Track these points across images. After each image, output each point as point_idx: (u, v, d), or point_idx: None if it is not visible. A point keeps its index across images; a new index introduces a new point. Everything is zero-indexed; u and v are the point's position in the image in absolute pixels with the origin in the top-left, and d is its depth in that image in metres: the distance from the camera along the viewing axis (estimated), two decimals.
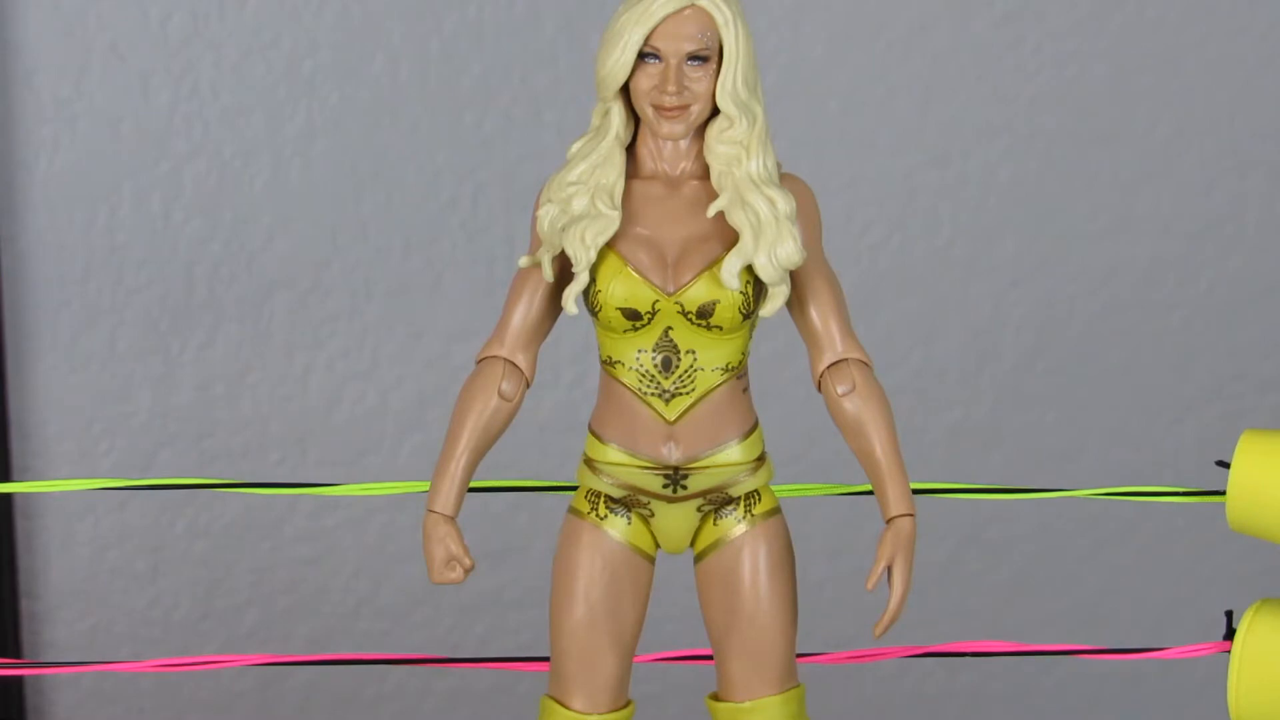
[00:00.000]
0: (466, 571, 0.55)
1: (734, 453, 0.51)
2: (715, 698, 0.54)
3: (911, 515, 0.51)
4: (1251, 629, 0.61)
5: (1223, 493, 0.63)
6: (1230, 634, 0.62)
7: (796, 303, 0.51)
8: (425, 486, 0.65)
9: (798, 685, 0.53)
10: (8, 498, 1.13)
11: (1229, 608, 0.64)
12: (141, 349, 1.14)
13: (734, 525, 0.53)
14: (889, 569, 0.51)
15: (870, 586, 0.51)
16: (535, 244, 0.51)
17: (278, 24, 1.11)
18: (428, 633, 1.19)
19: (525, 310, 0.53)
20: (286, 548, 1.18)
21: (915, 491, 0.61)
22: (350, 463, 1.17)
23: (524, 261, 0.51)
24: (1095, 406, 1.15)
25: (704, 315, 0.50)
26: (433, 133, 1.13)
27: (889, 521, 0.51)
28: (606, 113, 0.51)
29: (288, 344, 1.15)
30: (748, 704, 0.52)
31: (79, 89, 1.11)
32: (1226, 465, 0.63)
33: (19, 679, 1.17)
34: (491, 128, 1.13)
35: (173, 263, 1.13)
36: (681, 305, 0.50)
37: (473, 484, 0.65)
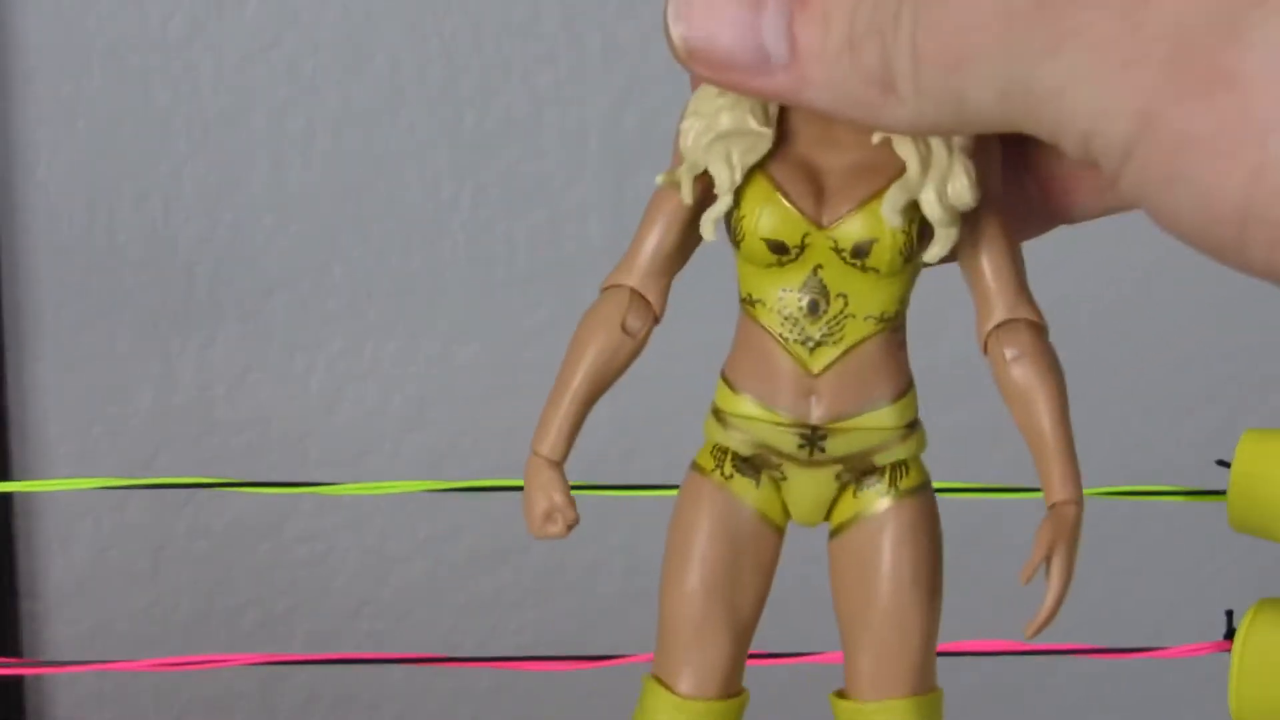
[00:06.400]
0: (569, 526, 0.46)
1: (884, 415, 0.45)
2: (841, 695, 0.46)
3: (1078, 502, 0.44)
4: (1252, 629, 0.61)
5: (1223, 493, 0.63)
6: (1230, 634, 0.62)
7: (963, 249, 0.44)
8: (425, 486, 0.65)
9: (935, 690, 0.46)
10: (7, 498, 1.13)
11: (1229, 608, 0.64)
12: (141, 349, 1.14)
13: (876, 499, 0.46)
14: (1047, 560, 0.44)
15: (1025, 580, 0.44)
16: (676, 161, 0.44)
17: (278, 24, 1.11)
18: (428, 633, 1.19)
19: (659, 236, 0.46)
20: (286, 548, 1.18)
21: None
22: (350, 463, 1.17)
23: (661, 179, 0.44)
24: (1095, 406, 1.15)
25: (859, 254, 0.43)
26: (433, 133, 1.13)
27: (1051, 507, 0.44)
28: None
29: (288, 344, 1.15)
30: (873, 704, 0.45)
31: (79, 89, 1.11)
32: (1227, 465, 0.63)
33: (19, 679, 1.17)
34: (491, 128, 1.13)
35: (173, 263, 1.13)
36: (835, 241, 0.43)
37: (472, 484, 0.65)
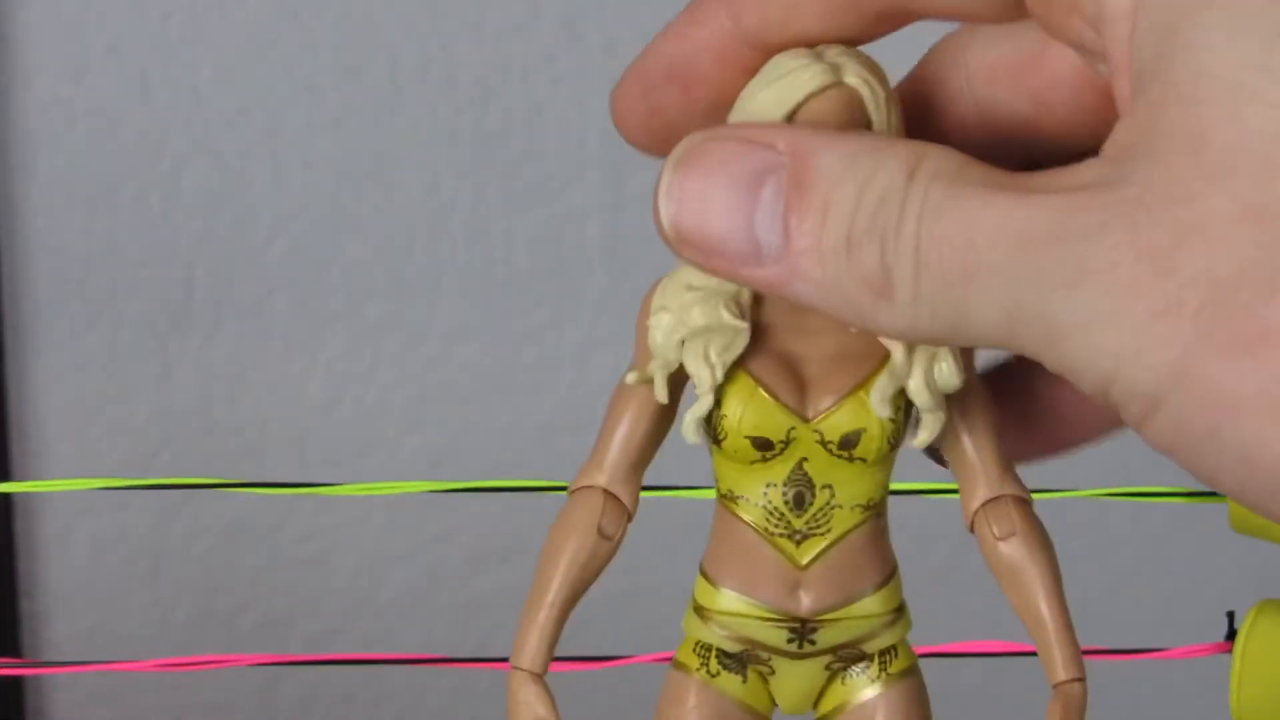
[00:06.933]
0: None
1: (872, 603, 0.43)
2: None
3: (1082, 680, 0.43)
4: (1253, 629, 0.61)
5: None
6: (1231, 634, 0.62)
7: (946, 429, 0.43)
8: (425, 487, 0.65)
9: None
10: (7, 498, 1.13)
11: (1230, 608, 0.64)
12: (141, 349, 1.14)
13: (865, 685, 0.45)
14: None
15: None
16: (643, 358, 0.43)
17: (278, 24, 1.11)
18: (428, 633, 1.19)
19: (628, 434, 0.44)
20: (286, 548, 1.18)
21: (915, 492, 0.60)
22: (350, 463, 1.17)
23: (631, 378, 0.43)
24: None
25: (847, 446, 0.42)
26: (433, 133, 1.13)
27: (1056, 687, 0.43)
28: None
29: (288, 344, 1.15)
30: None
31: (79, 89, 1.11)
32: None
33: (19, 679, 1.17)
34: (491, 128, 1.13)
35: (173, 263, 1.13)
36: (821, 434, 0.42)
37: (472, 484, 0.65)
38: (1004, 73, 0.41)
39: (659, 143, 0.42)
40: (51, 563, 1.17)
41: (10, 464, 1.14)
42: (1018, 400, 0.46)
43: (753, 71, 0.41)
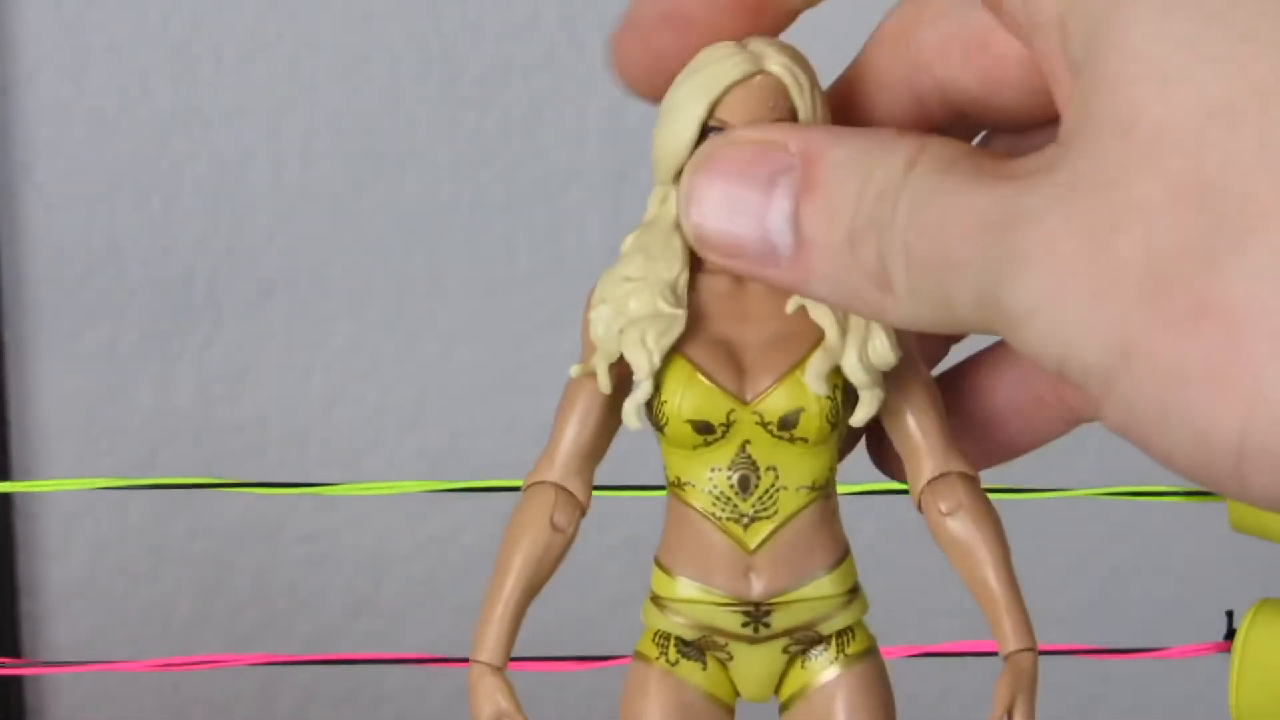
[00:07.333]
0: None
1: (824, 584, 0.44)
2: None
3: (1033, 649, 0.44)
4: (1252, 629, 0.61)
5: None
6: (1230, 634, 0.62)
7: (887, 409, 0.44)
8: (425, 487, 0.65)
9: None
10: (7, 498, 1.13)
11: (1229, 608, 0.64)
12: (141, 349, 1.14)
13: (824, 668, 0.45)
14: (1009, 714, 0.44)
15: None
16: (588, 351, 0.44)
17: (278, 24, 1.11)
18: (428, 633, 1.19)
19: (578, 428, 0.45)
20: (286, 548, 1.18)
21: None
22: (350, 463, 1.17)
23: (575, 371, 0.44)
24: None
25: (786, 426, 0.42)
26: (433, 133, 1.13)
27: (1006, 658, 0.44)
28: (665, 198, 0.43)
29: (288, 344, 1.15)
30: None
31: (79, 89, 1.11)
32: None
33: (19, 679, 1.17)
34: (491, 128, 1.13)
35: (173, 263, 1.13)
36: (760, 415, 0.42)
37: (472, 485, 0.65)
38: (954, 50, 0.41)
39: (658, 88, 0.43)
40: (51, 563, 1.17)
41: (10, 464, 1.14)
42: (969, 404, 0.46)
43: (747, 13, 0.42)
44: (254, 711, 1.20)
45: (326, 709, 1.21)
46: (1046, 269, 0.33)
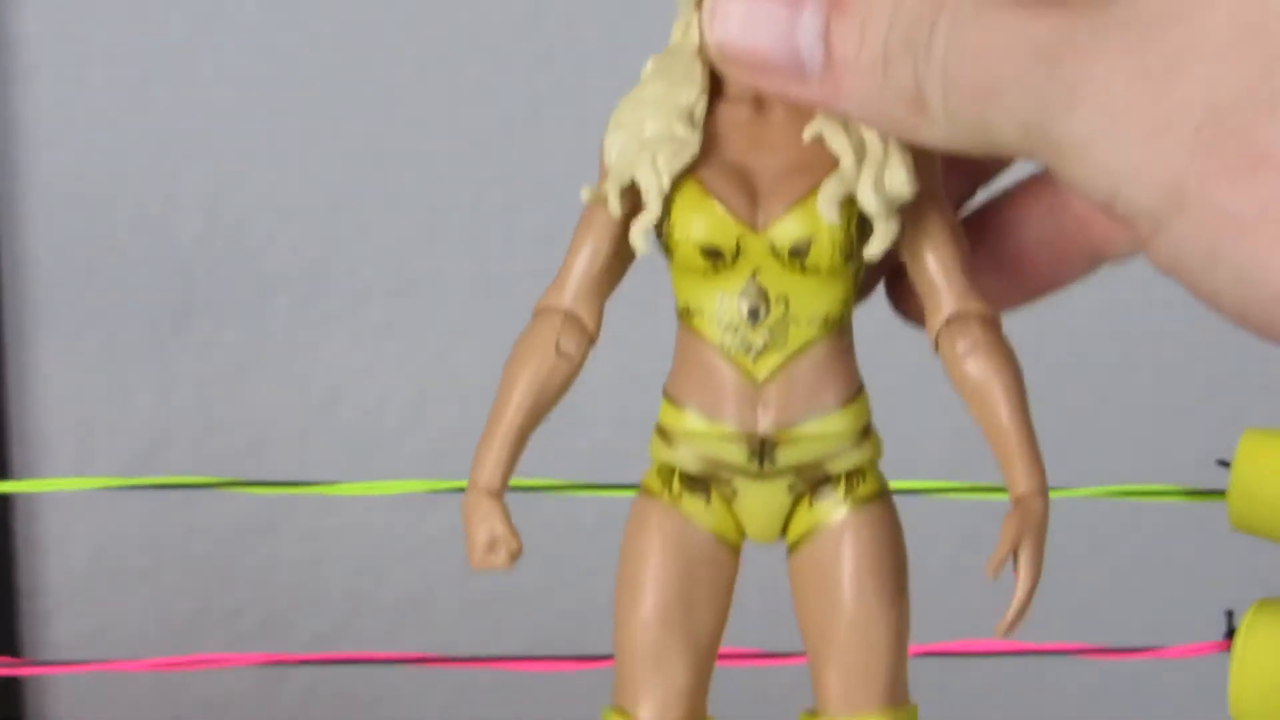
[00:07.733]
0: (513, 556, 0.44)
1: (834, 420, 0.43)
2: (811, 714, 0.44)
3: (1043, 494, 0.43)
4: (1252, 629, 0.61)
5: (1223, 492, 0.63)
6: (1230, 634, 0.62)
7: (907, 246, 0.42)
8: (425, 487, 0.65)
9: (909, 705, 0.45)
10: (7, 498, 1.13)
11: (1229, 608, 0.64)
12: (141, 349, 1.14)
13: (832, 509, 0.44)
14: (1014, 555, 0.43)
15: (992, 574, 0.42)
16: (602, 175, 0.43)
17: (278, 24, 1.11)
18: (428, 633, 1.19)
19: (590, 254, 0.45)
20: (286, 548, 1.18)
21: (915, 491, 0.60)
22: (350, 463, 1.17)
23: (587, 194, 0.43)
24: (1095, 406, 1.15)
25: (797, 254, 0.41)
26: (433, 133, 1.13)
27: (1016, 500, 0.43)
28: (688, 25, 0.42)
29: (288, 344, 1.15)
30: None
31: (79, 89, 1.11)
32: (1227, 465, 0.63)
33: (19, 679, 1.17)
34: (491, 128, 1.13)
35: (173, 263, 1.13)
36: (771, 242, 0.41)
37: None
38: None
39: None
40: (52, 563, 1.17)
41: (10, 464, 1.14)
42: (993, 240, 0.46)
43: None
44: (254, 711, 1.20)
45: (326, 709, 1.20)
46: (1102, 103, 0.33)
